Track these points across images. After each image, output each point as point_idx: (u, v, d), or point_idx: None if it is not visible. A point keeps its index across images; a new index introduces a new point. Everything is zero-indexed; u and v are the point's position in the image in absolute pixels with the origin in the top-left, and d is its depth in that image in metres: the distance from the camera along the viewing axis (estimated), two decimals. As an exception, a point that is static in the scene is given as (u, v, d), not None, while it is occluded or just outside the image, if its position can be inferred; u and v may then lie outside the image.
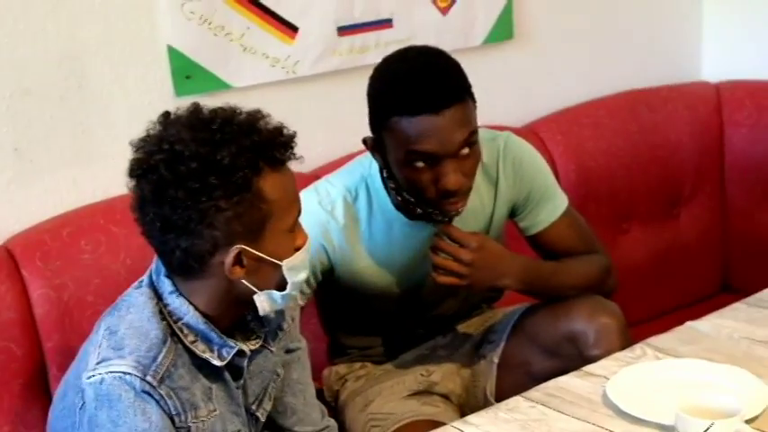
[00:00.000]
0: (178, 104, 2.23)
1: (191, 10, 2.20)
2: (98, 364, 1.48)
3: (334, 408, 2.07)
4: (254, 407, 1.69)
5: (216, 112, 1.52)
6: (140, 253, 2.00)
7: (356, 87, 2.45)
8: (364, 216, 1.94)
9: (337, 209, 1.92)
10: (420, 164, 1.78)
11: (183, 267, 1.51)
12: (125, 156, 2.22)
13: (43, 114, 2.08)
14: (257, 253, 1.50)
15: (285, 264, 1.53)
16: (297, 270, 1.56)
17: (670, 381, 1.65)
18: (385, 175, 1.90)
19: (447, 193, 1.79)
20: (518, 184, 1.99)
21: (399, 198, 1.89)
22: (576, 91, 2.83)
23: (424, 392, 2.02)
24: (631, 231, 2.74)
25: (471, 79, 1.84)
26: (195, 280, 1.53)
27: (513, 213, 2.03)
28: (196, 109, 1.53)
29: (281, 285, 1.55)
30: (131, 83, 2.19)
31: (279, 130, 1.52)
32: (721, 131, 2.87)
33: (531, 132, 2.56)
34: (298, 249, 1.56)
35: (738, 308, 1.97)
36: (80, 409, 1.51)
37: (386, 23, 2.48)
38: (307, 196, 1.93)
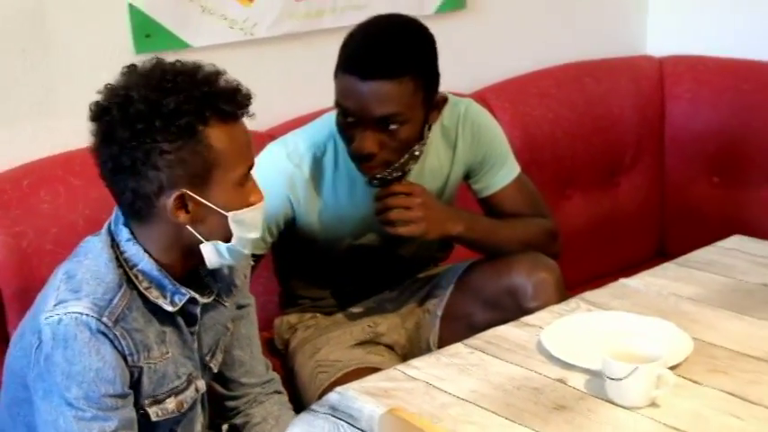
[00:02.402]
0: (137, 62, 2.29)
1: (151, -31, 2.25)
2: (56, 305, 1.54)
3: (284, 355, 2.15)
4: (207, 358, 1.76)
5: (175, 64, 1.59)
6: (98, 204, 2.06)
7: (311, 50, 2.53)
8: (330, 171, 2.02)
9: (305, 162, 1.99)
10: (343, 119, 1.89)
11: (134, 209, 1.58)
12: (85, 111, 2.27)
13: (5, 68, 2.12)
14: (201, 199, 1.56)
15: (231, 215, 1.58)
16: (245, 226, 1.61)
17: (600, 331, 1.74)
18: None
19: (357, 155, 1.89)
20: (475, 147, 2.09)
21: None
22: (524, 61, 2.91)
23: (370, 342, 2.12)
24: (573, 198, 2.84)
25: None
26: (147, 225, 1.60)
27: (467, 176, 2.14)
28: (158, 61, 1.60)
29: (228, 238, 1.61)
30: (93, 39, 2.22)
31: (234, 86, 1.59)
32: (663, 104, 2.97)
33: (479, 99, 2.60)
34: (250, 205, 1.61)
35: (668, 267, 2.07)
36: (36, 348, 1.56)
37: (342, -12, 2.54)
38: (275, 149, 2.01)
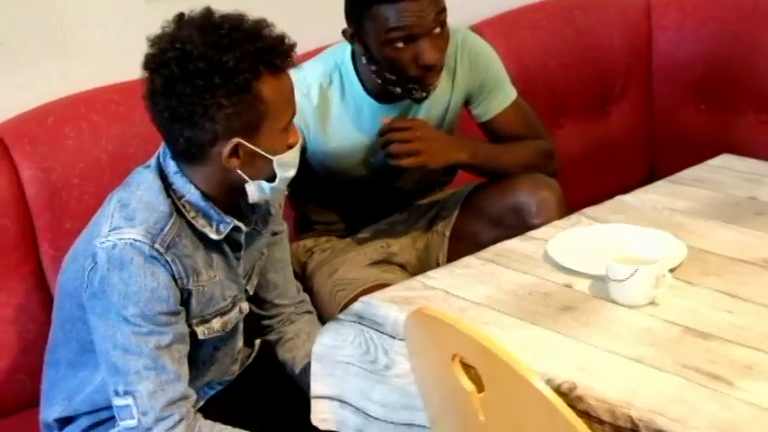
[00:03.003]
0: (149, 3, 2.37)
1: None
2: (110, 231, 1.65)
3: (301, 278, 2.27)
4: (244, 281, 1.88)
5: (225, 17, 1.66)
6: (120, 140, 2.18)
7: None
8: (337, 100, 2.13)
9: (312, 93, 2.11)
10: (400, 44, 1.99)
11: (186, 154, 1.69)
12: (99, 52, 2.37)
13: (24, 11, 2.20)
14: (252, 147, 1.67)
15: (276, 159, 1.70)
16: (286, 166, 1.73)
17: (601, 241, 1.85)
18: (364, 61, 2.08)
19: (427, 68, 2.01)
20: (473, 74, 2.21)
21: (380, 81, 2.08)
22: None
23: (384, 262, 2.25)
24: (566, 126, 2.95)
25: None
26: (196, 165, 1.70)
27: (467, 102, 2.25)
28: (208, 13, 1.67)
29: (271, 178, 1.73)
30: (106, -18, 2.31)
31: (281, 38, 1.68)
32: (650, 35, 3.08)
33: (475, 32, 2.73)
34: (290, 147, 1.73)
35: (661, 184, 2.20)
36: (90, 270, 1.67)
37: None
38: None
